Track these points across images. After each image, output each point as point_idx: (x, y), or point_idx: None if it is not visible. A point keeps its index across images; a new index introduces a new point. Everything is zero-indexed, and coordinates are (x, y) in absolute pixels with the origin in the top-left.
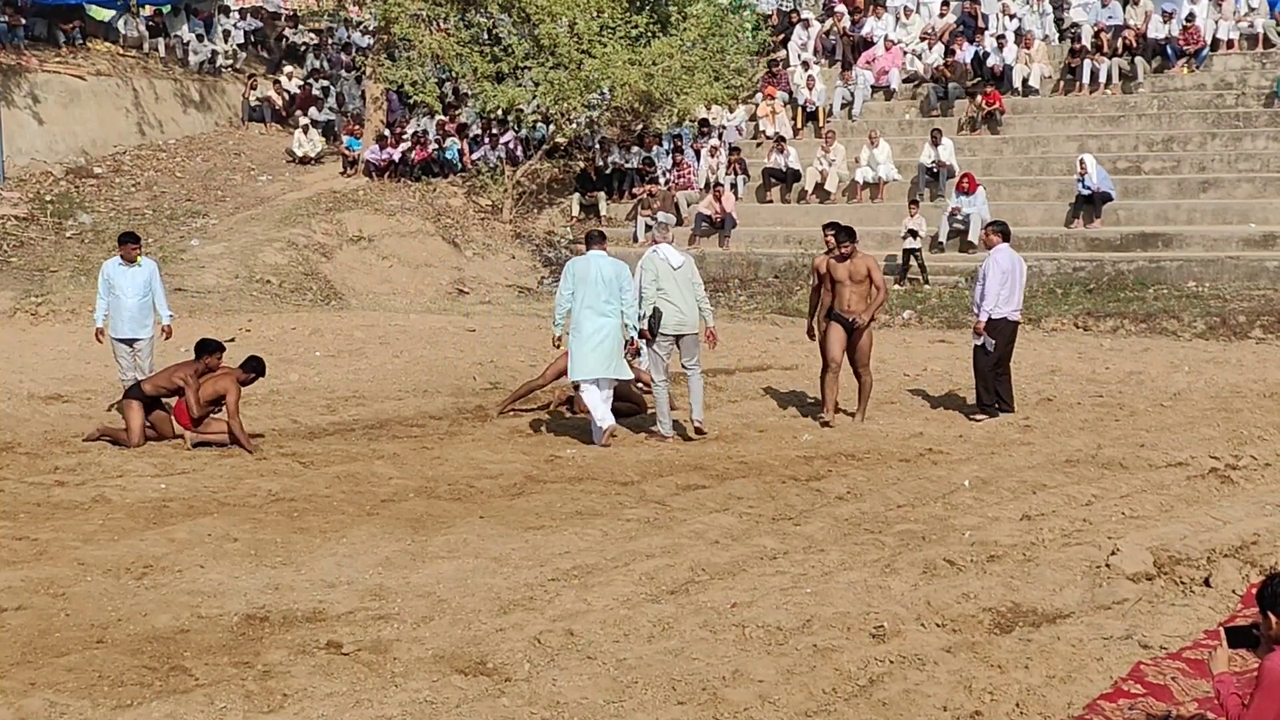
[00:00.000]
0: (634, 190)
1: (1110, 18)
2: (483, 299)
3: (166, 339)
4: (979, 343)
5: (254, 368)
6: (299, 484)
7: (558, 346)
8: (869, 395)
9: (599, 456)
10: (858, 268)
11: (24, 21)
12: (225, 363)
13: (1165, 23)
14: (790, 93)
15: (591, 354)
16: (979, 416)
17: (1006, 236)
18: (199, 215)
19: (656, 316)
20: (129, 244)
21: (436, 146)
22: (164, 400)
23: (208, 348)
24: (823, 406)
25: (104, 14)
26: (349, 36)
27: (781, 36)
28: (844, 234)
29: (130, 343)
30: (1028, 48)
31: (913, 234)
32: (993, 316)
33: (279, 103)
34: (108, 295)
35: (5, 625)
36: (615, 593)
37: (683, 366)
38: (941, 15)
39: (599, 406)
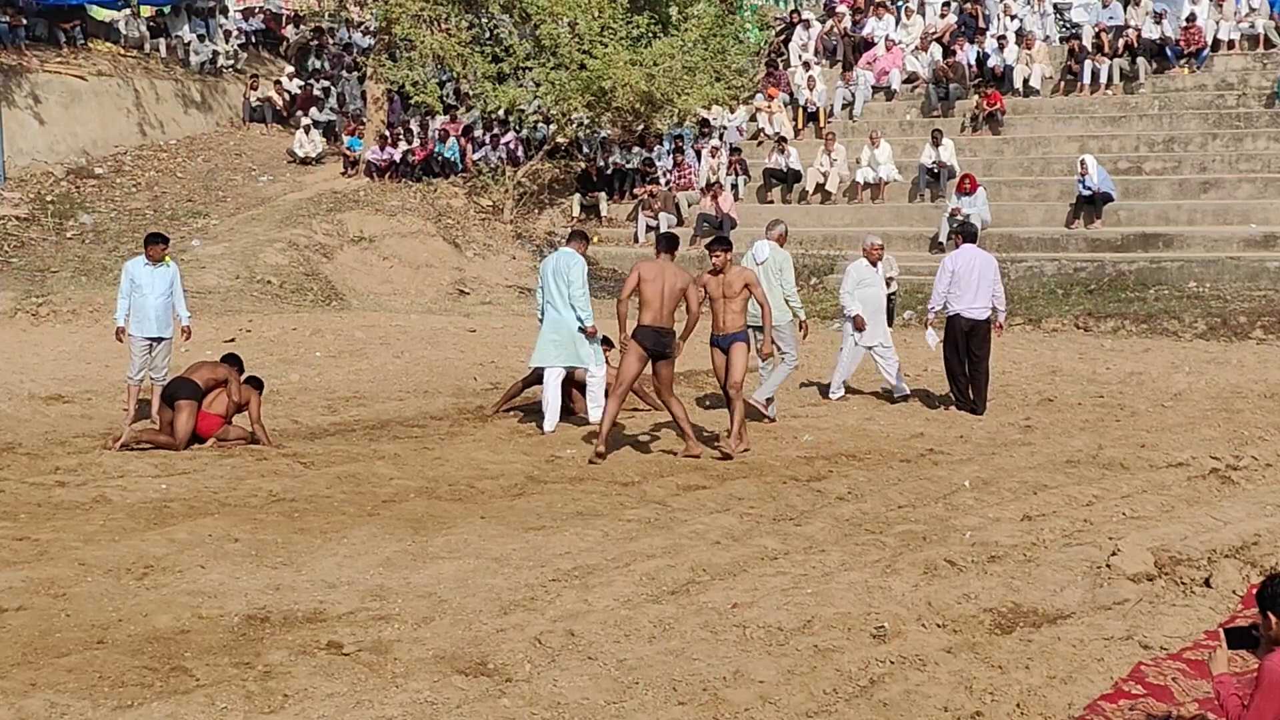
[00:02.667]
0: (635, 191)
1: (1111, 18)
2: (483, 299)
3: (186, 339)
4: (931, 341)
5: (257, 384)
6: (300, 484)
7: None
8: (741, 421)
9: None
10: (731, 282)
11: (25, 22)
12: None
13: (1157, 23)
14: (791, 93)
15: (547, 344)
16: (950, 409)
17: (968, 238)
18: (200, 216)
19: None
20: (157, 244)
21: (435, 141)
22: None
23: (236, 362)
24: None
25: (105, 14)
26: (350, 37)
27: (783, 37)
28: (714, 243)
29: (156, 341)
30: (1029, 48)
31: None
32: (948, 313)
33: (280, 103)
34: (130, 294)
35: (6, 625)
36: (616, 593)
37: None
38: (943, 16)
39: (552, 402)
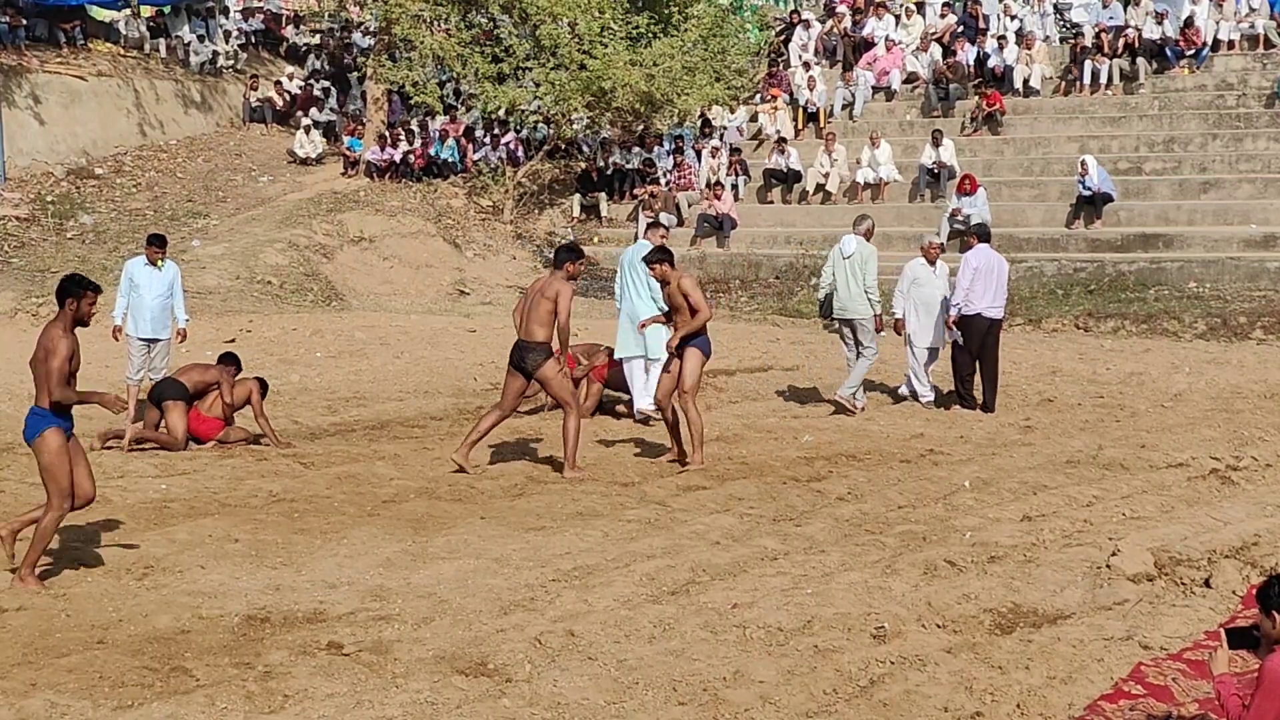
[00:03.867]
0: (635, 191)
1: (1111, 18)
2: (483, 300)
3: (181, 341)
4: (949, 337)
5: (234, 360)
6: (300, 485)
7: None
8: (698, 432)
9: (599, 457)
10: (673, 293)
11: (25, 22)
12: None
13: (1158, 24)
14: (791, 93)
15: (628, 335)
16: (954, 407)
17: (984, 238)
18: (200, 216)
19: (829, 300)
20: (155, 245)
21: (435, 142)
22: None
23: (234, 361)
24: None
25: (105, 14)
26: (350, 37)
27: (783, 37)
28: (648, 258)
29: (152, 342)
30: (1029, 48)
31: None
32: (965, 313)
33: (280, 103)
34: (129, 294)
35: (6, 626)
36: (616, 593)
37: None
38: (943, 16)
39: (636, 386)
